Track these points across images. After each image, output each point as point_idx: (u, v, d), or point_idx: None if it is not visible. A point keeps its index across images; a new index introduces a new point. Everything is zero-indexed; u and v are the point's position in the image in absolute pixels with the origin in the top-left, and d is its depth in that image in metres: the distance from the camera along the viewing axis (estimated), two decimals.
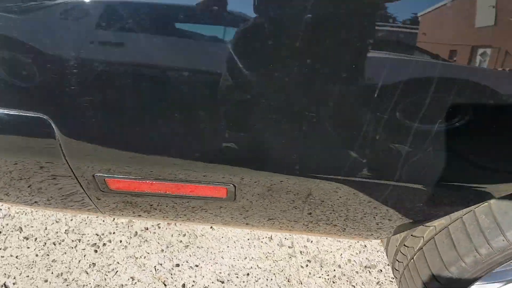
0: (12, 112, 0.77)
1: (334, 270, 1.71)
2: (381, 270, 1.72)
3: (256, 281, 1.65)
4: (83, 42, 0.70)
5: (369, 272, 1.71)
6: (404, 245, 1.22)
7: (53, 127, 0.77)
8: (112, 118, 0.78)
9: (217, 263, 1.71)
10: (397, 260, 1.29)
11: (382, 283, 1.67)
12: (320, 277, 1.68)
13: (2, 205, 1.82)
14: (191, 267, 1.68)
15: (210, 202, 0.97)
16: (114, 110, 0.77)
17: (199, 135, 0.79)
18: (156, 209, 1.04)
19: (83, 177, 0.88)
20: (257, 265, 1.71)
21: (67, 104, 0.76)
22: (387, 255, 1.44)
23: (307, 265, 1.72)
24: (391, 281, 1.69)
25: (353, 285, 1.66)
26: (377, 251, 1.80)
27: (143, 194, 0.94)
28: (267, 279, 1.66)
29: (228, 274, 1.67)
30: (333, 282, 1.67)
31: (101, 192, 0.92)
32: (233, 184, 0.90)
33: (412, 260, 1.18)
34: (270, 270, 1.69)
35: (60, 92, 0.74)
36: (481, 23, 0.69)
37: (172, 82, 0.73)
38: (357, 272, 1.71)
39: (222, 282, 1.64)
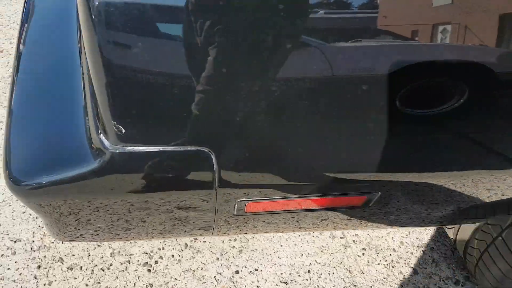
0: (169, 148, 0.70)
1: (390, 254, 1.73)
2: (433, 248, 1.77)
3: (319, 277, 1.64)
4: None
5: (422, 251, 1.75)
6: (487, 223, 1.25)
7: (213, 159, 0.72)
8: (269, 147, 0.74)
9: (275, 264, 1.67)
10: (475, 238, 1.32)
11: (437, 260, 1.72)
12: (379, 263, 1.70)
13: (33, 236, 1.68)
14: (251, 272, 1.64)
15: (342, 211, 0.94)
16: (272, 139, 0.73)
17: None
18: (272, 224, 0.99)
19: (224, 204, 0.82)
20: (316, 261, 1.70)
21: (227, 136, 0.71)
22: (455, 234, 1.48)
23: (363, 254, 1.73)
24: (444, 257, 1.73)
25: (411, 267, 1.69)
26: (424, 229, 1.85)
27: (275, 212, 0.89)
28: (329, 274, 1.65)
29: (290, 274, 1.64)
30: (392, 267, 1.69)
31: (233, 216, 0.86)
32: (375, 192, 0.87)
33: (499, 238, 1.21)
34: (329, 264, 1.69)
35: (221, 125, 0.70)
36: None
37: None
38: (411, 253, 1.74)
39: (286, 283, 1.62)
